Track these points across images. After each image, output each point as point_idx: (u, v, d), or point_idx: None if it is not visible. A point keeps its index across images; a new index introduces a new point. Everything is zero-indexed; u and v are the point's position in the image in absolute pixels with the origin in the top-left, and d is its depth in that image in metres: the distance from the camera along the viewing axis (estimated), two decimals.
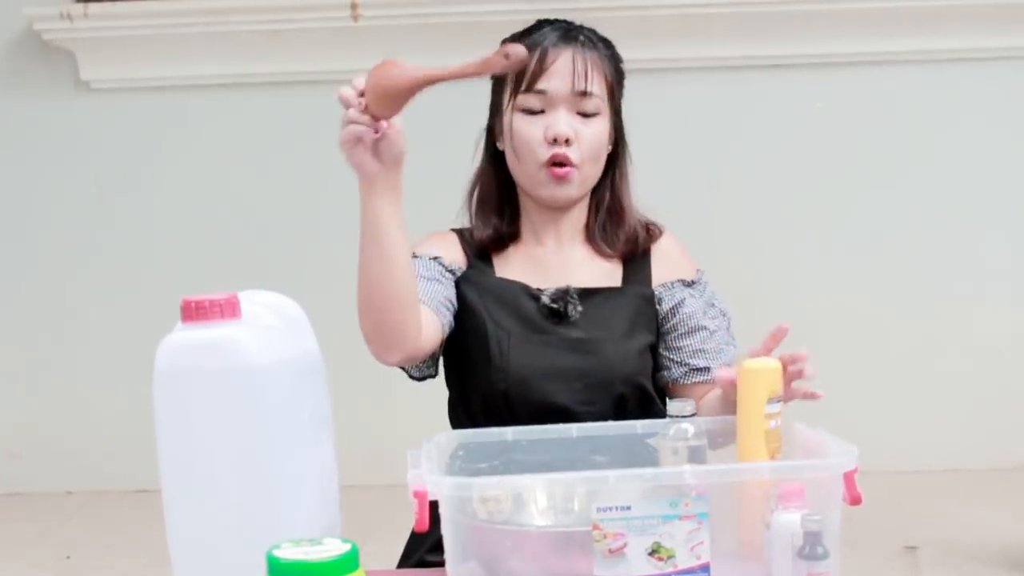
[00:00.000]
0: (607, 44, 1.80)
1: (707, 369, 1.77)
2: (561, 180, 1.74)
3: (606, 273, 1.80)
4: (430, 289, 1.72)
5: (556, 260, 1.80)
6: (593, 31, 1.81)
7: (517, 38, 1.77)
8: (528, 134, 1.74)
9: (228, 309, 1.35)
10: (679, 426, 1.49)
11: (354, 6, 3.52)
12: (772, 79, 3.58)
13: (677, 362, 1.79)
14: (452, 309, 1.75)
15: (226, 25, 3.57)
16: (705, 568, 1.29)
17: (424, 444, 1.48)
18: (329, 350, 1.52)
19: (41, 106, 3.70)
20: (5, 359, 3.81)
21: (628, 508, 1.28)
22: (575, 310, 1.75)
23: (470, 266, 1.80)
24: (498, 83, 1.81)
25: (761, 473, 1.34)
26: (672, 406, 1.52)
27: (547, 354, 1.73)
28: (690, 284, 1.82)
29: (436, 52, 3.53)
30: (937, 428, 3.65)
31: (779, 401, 1.46)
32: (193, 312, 1.34)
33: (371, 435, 3.51)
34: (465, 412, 1.80)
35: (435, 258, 1.78)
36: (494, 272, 1.80)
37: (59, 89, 3.68)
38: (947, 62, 3.55)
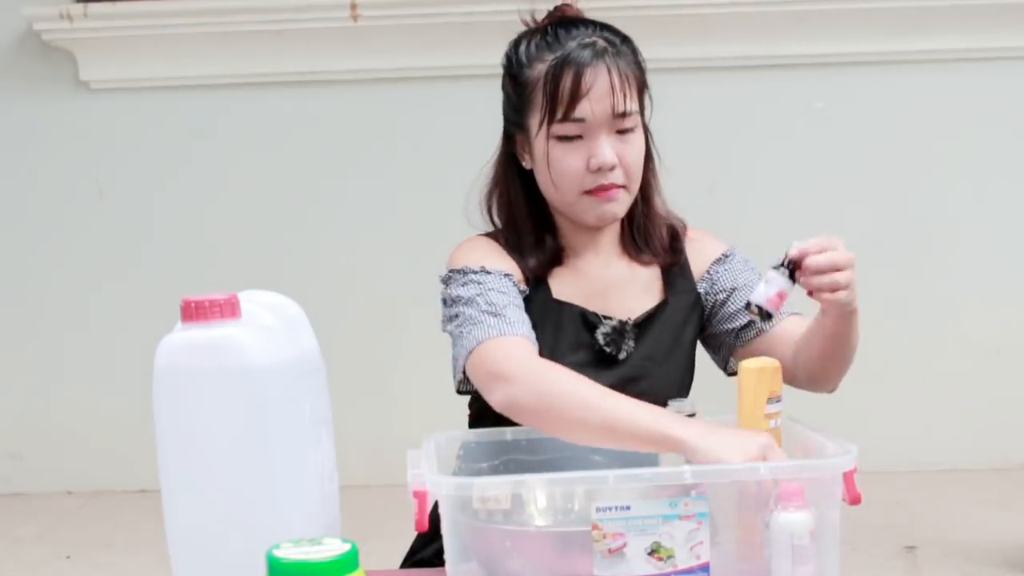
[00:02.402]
0: (627, 42, 1.70)
1: (752, 323, 1.71)
2: (609, 200, 1.66)
3: (647, 283, 1.75)
4: (526, 321, 1.63)
5: (600, 277, 1.74)
6: (613, 31, 1.70)
7: (538, 47, 1.67)
8: (568, 165, 1.64)
9: (228, 309, 1.35)
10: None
11: (354, 6, 3.52)
12: (772, 79, 3.58)
13: (729, 330, 1.74)
14: None
15: (226, 25, 3.57)
16: (704, 568, 1.29)
17: (424, 444, 1.48)
18: (329, 350, 1.52)
19: (41, 106, 3.70)
20: (5, 359, 3.81)
21: (628, 508, 1.28)
22: (627, 352, 1.70)
23: (529, 285, 1.71)
24: (517, 98, 1.70)
25: (761, 473, 1.34)
26: (672, 406, 1.52)
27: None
28: (723, 259, 1.78)
29: (436, 52, 3.57)
30: (937, 428, 3.65)
31: (779, 401, 1.46)
32: (193, 312, 1.34)
33: (371, 435, 3.51)
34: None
35: (507, 275, 1.68)
36: (551, 292, 1.72)
37: (59, 89, 3.69)
38: (948, 62, 3.55)
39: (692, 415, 1.51)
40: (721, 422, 1.51)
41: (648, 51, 1.74)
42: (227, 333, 1.34)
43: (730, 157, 3.61)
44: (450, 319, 1.66)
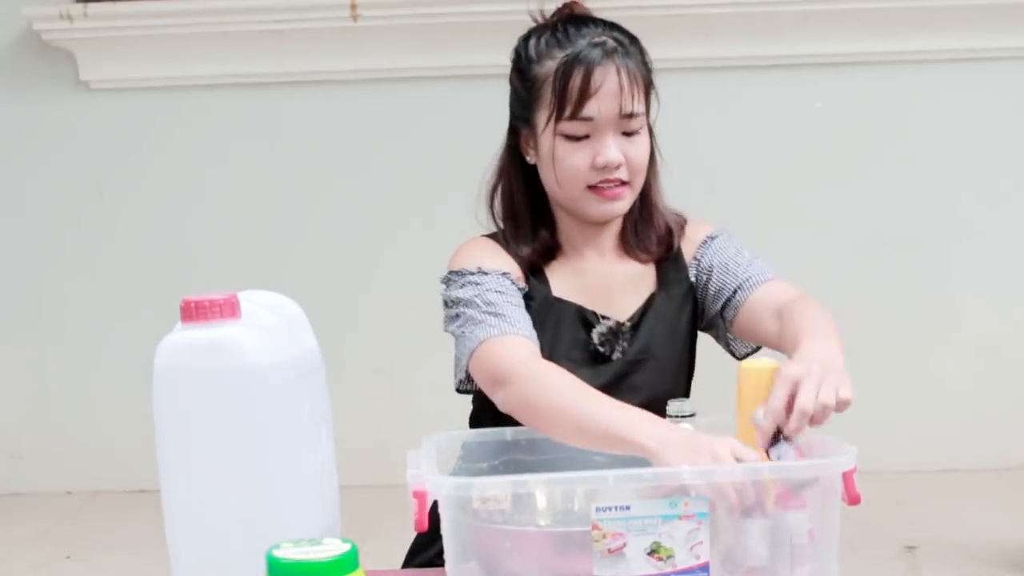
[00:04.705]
0: (636, 42, 1.71)
1: (740, 287, 1.71)
2: (614, 199, 1.68)
3: (642, 279, 1.76)
4: (526, 319, 1.64)
5: (599, 275, 1.75)
6: (622, 31, 1.71)
7: (548, 44, 1.68)
8: (574, 162, 1.66)
9: (228, 309, 1.35)
10: (678, 426, 1.49)
11: (353, 6, 3.52)
12: (772, 79, 3.58)
13: (716, 311, 1.74)
14: None
15: (226, 25, 3.57)
16: (704, 568, 1.29)
17: (424, 444, 1.48)
18: (329, 350, 1.52)
19: (41, 106, 3.70)
20: (4, 359, 3.81)
21: (627, 508, 1.28)
22: (621, 352, 1.71)
23: (528, 281, 1.72)
24: (526, 94, 1.70)
25: (761, 473, 1.34)
26: (672, 406, 1.52)
27: (592, 383, 1.64)
28: (708, 241, 1.78)
29: (436, 52, 3.57)
30: (937, 428, 3.65)
31: None
32: (193, 312, 1.34)
33: (371, 435, 3.51)
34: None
35: (505, 274, 1.69)
36: (550, 288, 1.73)
37: (59, 89, 3.68)
38: (947, 62, 3.55)
39: (692, 415, 1.51)
40: (719, 423, 1.52)
41: (649, 51, 1.74)
42: (227, 333, 1.34)
43: (730, 157, 3.61)
44: (451, 320, 1.68)
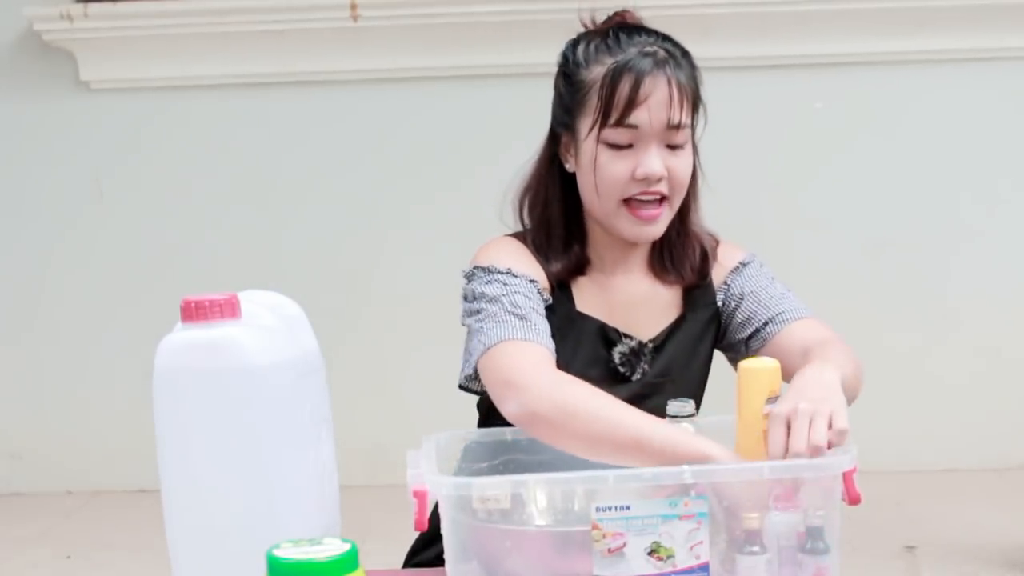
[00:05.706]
0: (687, 55, 1.66)
1: (771, 320, 1.69)
2: (650, 221, 1.64)
3: (669, 301, 1.74)
4: (548, 331, 1.60)
5: (626, 293, 1.72)
6: (674, 43, 1.66)
7: (598, 50, 1.64)
8: (614, 171, 1.62)
9: (228, 309, 1.35)
10: (679, 426, 1.49)
11: (354, 6, 3.52)
12: (771, 79, 3.58)
13: (740, 339, 1.72)
14: None
15: (226, 25, 3.57)
16: (704, 568, 1.29)
17: (424, 444, 1.48)
18: (329, 350, 1.52)
19: (41, 106, 3.70)
20: (4, 359, 3.81)
21: (627, 508, 1.28)
22: (641, 373, 1.69)
23: (553, 293, 1.69)
24: (570, 99, 1.67)
25: (761, 473, 1.34)
26: (672, 406, 1.52)
27: None
28: (739, 268, 1.76)
29: (436, 52, 3.57)
30: (937, 428, 3.65)
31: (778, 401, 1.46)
32: (193, 312, 1.34)
33: (371, 435, 3.50)
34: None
35: (533, 281, 1.65)
36: (574, 304, 1.70)
37: (59, 89, 3.68)
38: (947, 62, 3.55)
39: (692, 415, 1.51)
40: (719, 424, 1.51)
41: None
42: (227, 333, 1.34)
43: (730, 158, 3.60)
44: (470, 313, 1.65)
